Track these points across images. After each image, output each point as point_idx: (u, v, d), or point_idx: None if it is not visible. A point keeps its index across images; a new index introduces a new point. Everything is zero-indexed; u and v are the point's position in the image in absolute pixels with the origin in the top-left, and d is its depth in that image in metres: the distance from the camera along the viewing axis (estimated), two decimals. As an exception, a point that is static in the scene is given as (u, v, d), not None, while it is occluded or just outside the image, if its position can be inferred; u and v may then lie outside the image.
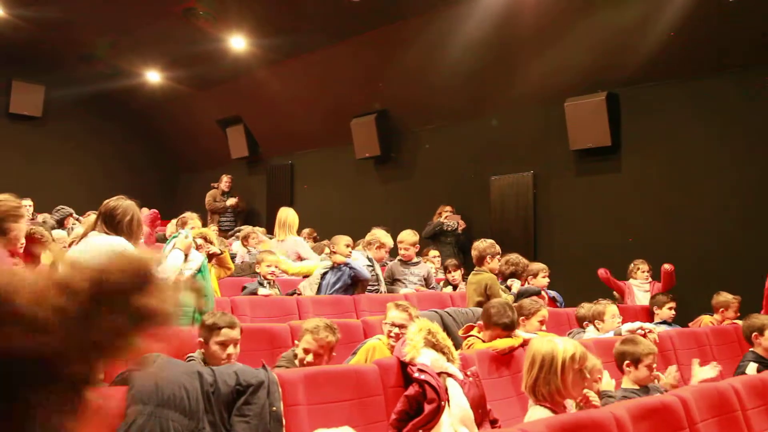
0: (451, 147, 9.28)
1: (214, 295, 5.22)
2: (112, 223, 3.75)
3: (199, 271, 4.16)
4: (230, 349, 3.15)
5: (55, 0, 9.70)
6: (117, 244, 3.67)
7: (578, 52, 7.52)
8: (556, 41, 7.61)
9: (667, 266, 6.31)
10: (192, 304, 3.93)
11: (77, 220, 7.22)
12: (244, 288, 5.55)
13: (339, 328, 3.56)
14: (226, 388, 2.72)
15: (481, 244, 5.42)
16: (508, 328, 3.99)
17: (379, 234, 6.12)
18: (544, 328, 4.41)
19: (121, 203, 3.83)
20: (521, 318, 4.29)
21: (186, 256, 3.87)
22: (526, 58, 8.00)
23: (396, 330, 3.71)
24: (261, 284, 5.46)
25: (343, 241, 5.81)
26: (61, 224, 7.44)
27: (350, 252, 5.81)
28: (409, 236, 6.11)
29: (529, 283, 5.55)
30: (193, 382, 2.66)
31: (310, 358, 3.36)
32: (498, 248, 5.44)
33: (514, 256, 5.56)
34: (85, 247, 3.76)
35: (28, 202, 7.54)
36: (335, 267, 5.65)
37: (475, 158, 8.91)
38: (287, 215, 6.78)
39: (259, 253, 5.90)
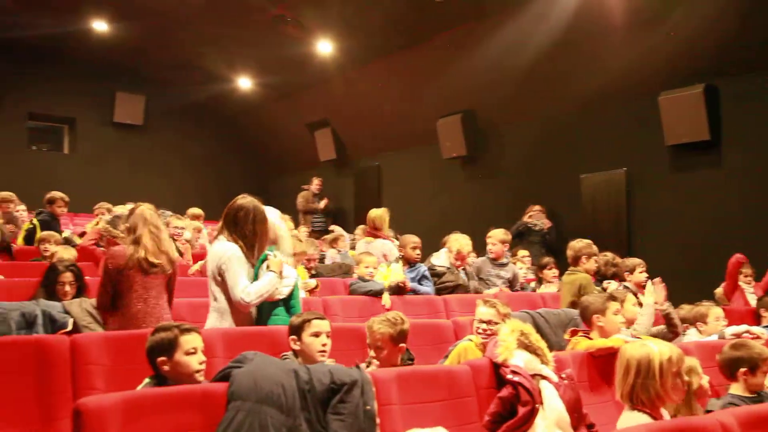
0: (538, 145, 9.11)
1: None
2: (235, 226, 3.79)
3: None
4: (324, 339, 3.17)
5: (153, 13, 10.21)
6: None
7: (671, 43, 7.21)
8: (646, 32, 7.33)
9: None
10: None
11: (176, 224, 7.52)
12: (351, 284, 5.46)
13: (424, 328, 3.47)
14: (321, 386, 2.76)
15: (578, 244, 5.31)
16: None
17: (450, 238, 6.07)
18: (638, 309, 4.34)
19: (244, 202, 3.82)
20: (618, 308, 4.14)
21: (280, 273, 3.90)
22: (614, 50, 7.75)
23: (483, 326, 3.66)
24: (366, 279, 5.40)
25: (410, 243, 5.78)
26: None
27: (419, 254, 5.77)
28: (498, 233, 6.04)
29: (626, 280, 5.37)
30: (290, 380, 2.72)
31: (372, 353, 3.36)
32: (595, 248, 5.31)
33: (611, 256, 5.39)
34: (209, 253, 3.89)
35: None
36: (409, 266, 5.68)
37: (564, 156, 8.71)
38: (375, 215, 6.77)
39: (358, 254, 5.99)
